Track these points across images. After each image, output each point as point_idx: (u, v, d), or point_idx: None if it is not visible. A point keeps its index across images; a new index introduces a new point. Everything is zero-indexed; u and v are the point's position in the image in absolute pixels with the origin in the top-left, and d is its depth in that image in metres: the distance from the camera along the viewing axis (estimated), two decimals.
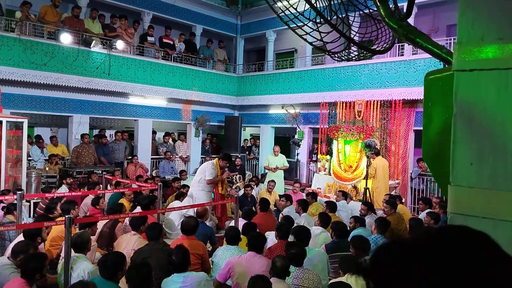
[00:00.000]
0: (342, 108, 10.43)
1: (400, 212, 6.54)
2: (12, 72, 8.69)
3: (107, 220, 5.26)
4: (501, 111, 1.03)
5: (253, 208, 7.11)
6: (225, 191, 7.68)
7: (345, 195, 7.81)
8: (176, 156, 12.03)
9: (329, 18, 1.52)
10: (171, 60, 11.88)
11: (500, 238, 0.63)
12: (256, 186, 9.80)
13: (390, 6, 1.67)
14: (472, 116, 1.07)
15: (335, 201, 7.37)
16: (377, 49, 1.85)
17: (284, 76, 12.45)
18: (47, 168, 8.94)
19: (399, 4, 1.81)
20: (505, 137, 1.02)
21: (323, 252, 4.56)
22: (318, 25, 1.62)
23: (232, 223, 5.66)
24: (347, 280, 3.37)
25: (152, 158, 11.88)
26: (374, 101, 9.90)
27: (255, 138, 15.09)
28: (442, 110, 1.27)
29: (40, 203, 6.82)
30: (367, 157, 8.30)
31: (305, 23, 1.69)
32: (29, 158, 9.04)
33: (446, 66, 1.37)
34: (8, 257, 3.83)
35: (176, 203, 6.85)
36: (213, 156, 12.62)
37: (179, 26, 13.23)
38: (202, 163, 12.68)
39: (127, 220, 5.60)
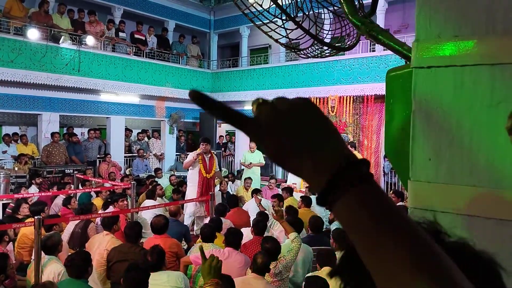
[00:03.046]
0: (316, 104, 10.51)
1: None
2: None
3: (79, 221, 5.16)
4: (457, 108, 1.06)
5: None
6: (212, 174, 7.18)
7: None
8: (150, 154, 11.88)
9: (293, 15, 1.53)
10: (143, 56, 11.70)
11: (458, 232, 0.65)
12: (232, 183, 9.79)
13: (355, 3, 1.69)
14: (430, 112, 1.09)
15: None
16: (342, 46, 1.88)
17: (259, 72, 12.47)
18: (16, 168, 8.67)
19: (364, 2, 1.83)
20: (461, 133, 1.04)
21: (305, 246, 4.58)
22: (283, 22, 1.62)
23: (207, 221, 5.63)
24: (323, 274, 3.41)
25: (125, 156, 11.69)
26: (347, 96, 10.03)
27: (231, 134, 15.05)
28: (403, 106, 1.29)
29: (10, 203, 6.62)
30: None
31: (270, 19, 1.69)
32: None
33: (407, 63, 1.40)
34: None
35: (148, 202, 6.76)
36: (188, 153, 12.51)
37: (151, 21, 13.02)
38: (177, 161, 12.64)
39: (98, 220, 5.50)
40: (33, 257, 4.16)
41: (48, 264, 3.75)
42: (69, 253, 4.42)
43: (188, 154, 6.97)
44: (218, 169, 7.35)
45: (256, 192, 7.48)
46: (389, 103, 1.37)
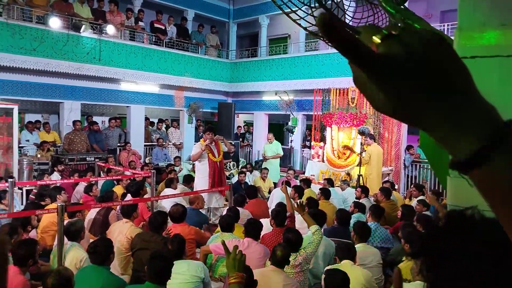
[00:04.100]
0: (336, 95, 10.40)
1: (394, 199, 6.59)
2: (1, 57, 8.52)
3: (100, 208, 5.23)
4: (503, 99, 1.00)
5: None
6: (221, 157, 7.17)
7: (331, 183, 7.79)
8: (169, 143, 11.97)
9: (324, 2, 1.48)
10: (162, 46, 11.72)
11: None
12: (250, 173, 9.80)
13: None
14: None
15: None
16: None
17: (278, 62, 12.36)
18: (38, 155, 8.85)
19: None
20: None
21: (327, 239, 4.55)
22: (313, 9, 1.57)
23: (226, 211, 5.65)
24: (343, 267, 3.38)
25: (145, 145, 11.81)
26: None
27: (249, 125, 15.04)
28: None
29: (33, 190, 6.77)
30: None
31: (299, 7, 1.64)
32: (21, 145, 8.94)
33: None
34: None
35: (168, 191, 6.81)
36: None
37: (170, 10, 13.01)
38: None
39: (119, 208, 5.57)
40: (55, 242, 4.24)
41: (70, 250, 3.81)
42: (90, 240, 4.50)
43: (195, 144, 6.91)
44: (225, 147, 7.26)
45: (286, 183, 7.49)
46: None
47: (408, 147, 9.54)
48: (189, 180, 7.65)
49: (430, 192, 6.85)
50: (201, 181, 6.84)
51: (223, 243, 2.14)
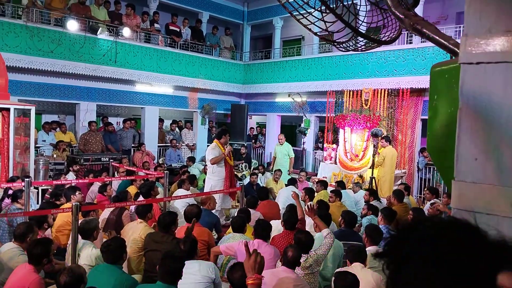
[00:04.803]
0: (349, 97, 10.36)
1: (407, 202, 6.54)
2: (20, 59, 8.71)
3: (114, 208, 5.31)
4: (507, 105, 1.01)
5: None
6: (233, 162, 7.41)
7: (342, 185, 7.75)
8: (183, 144, 12.07)
9: (334, 7, 1.49)
10: (177, 48, 11.83)
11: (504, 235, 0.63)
12: (262, 175, 9.82)
13: None
14: (478, 110, 1.05)
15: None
16: (383, 39, 1.81)
17: (291, 64, 12.37)
18: (54, 155, 9.01)
19: None
20: (511, 132, 1.00)
21: (336, 241, 4.55)
22: (323, 14, 1.59)
23: (236, 212, 5.68)
24: (353, 270, 3.38)
25: (158, 146, 11.93)
26: (381, 89, 9.81)
27: (261, 126, 15.06)
28: (448, 102, 1.25)
29: (49, 189, 6.90)
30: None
31: (310, 12, 1.66)
32: (37, 146, 9.11)
33: (453, 57, 1.35)
34: (13, 241, 3.89)
35: (180, 191, 6.88)
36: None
37: (185, 12, 13.12)
38: None
39: (132, 208, 5.65)
40: (69, 241, 4.33)
41: (84, 249, 3.88)
42: (103, 239, 4.58)
43: (211, 147, 6.98)
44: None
45: (293, 183, 7.50)
46: (433, 99, 1.32)
47: (422, 150, 9.45)
48: (193, 180, 7.83)
49: (445, 195, 6.78)
50: (219, 183, 6.90)
51: (246, 245, 2.19)
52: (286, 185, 8.03)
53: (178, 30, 12.07)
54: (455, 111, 1.10)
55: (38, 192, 7.19)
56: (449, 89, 1.24)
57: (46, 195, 6.72)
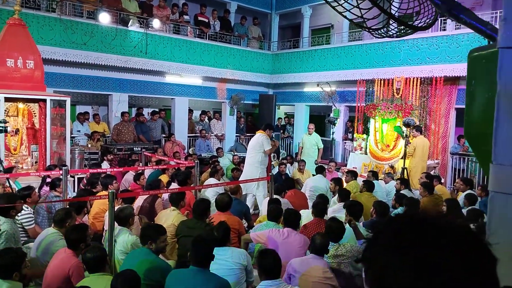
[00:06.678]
0: (380, 86, 10.18)
1: (438, 193, 6.40)
2: (54, 51, 8.99)
3: (147, 196, 5.47)
4: None
5: None
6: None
7: (375, 175, 7.66)
8: (212, 134, 12.21)
9: None
10: (206, 38, 11.91)
11: None
12: (291, 165, 9.82)
13: None
14: None
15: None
16: (419, 25, 1.78)
17: (320, 53, 12.24)
18: (89, 145, 9.31)
19: None
20: None
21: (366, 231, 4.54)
22: (359, 1, 1.58)
23: (266, 201, 5.73)
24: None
25: (188, 136, 12.11)
26: (413, 78, 9.59)
27: (290, 116, 15.02)
28: (485, 88, 1.23)
29: (84, 178, 7.15)
30: (406, 136, 8.12)
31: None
32: (73, 136, 9.43)
33: (491, 43, 1.33)
34: (52, 226, 4.08)
35: (212, 180, 6.99)
36: (247, 134, 12.70)
37: (213, 3, 13.17)
38: (237, 141, 12.89)
39: (165, 195, 5.79)
40: (106, 227, 4.49)
41: (120, 235, 4.03)
42: (139, 226, 4.73)
43: (247, 137, 7.17)
44: None
45: (321, 171, 7.50)
46: (471, 85, 1.31)
47: (460, 137, 9.22)
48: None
49: (480, 187, 6.61)
50: (264, 171, 7.13)
51: None
52: (314, 175, 8.02)
53: (206, 20, 12.15)
54: (493, 95, 1.09)
55: (74, 181, 7.46)
56: (486, 74, 1.22)
57: (81, 183, 6.97)
